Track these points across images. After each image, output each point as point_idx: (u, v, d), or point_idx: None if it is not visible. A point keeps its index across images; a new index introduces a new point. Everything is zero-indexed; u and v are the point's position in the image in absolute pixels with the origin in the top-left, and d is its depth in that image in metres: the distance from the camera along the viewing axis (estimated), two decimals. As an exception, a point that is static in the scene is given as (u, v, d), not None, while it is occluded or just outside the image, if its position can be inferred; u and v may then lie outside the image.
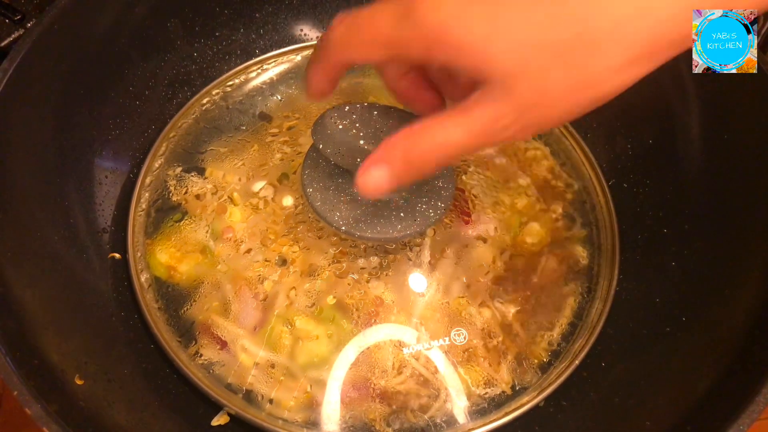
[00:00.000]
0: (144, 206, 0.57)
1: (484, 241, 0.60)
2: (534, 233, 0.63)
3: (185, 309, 0.59)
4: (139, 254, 0.56)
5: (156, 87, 0.63)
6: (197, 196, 0.64)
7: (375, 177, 0.35)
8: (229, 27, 0.67)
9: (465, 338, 0.57)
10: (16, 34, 0.62)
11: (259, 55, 0.69)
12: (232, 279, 0.57)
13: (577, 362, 0.56)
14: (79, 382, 0.45)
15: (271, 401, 0.53)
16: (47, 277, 0.49)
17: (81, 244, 0.55)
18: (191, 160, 0.60)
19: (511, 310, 0.60)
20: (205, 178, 0.65)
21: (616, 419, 0.49)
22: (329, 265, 0.57)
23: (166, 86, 0.64)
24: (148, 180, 0.58)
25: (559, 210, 0.66)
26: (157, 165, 0.59)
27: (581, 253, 0.63)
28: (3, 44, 0.62)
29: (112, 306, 0.55)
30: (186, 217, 0.63)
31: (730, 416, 0.39)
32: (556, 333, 0.59)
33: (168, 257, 0.60)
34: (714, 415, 0.41)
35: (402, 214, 0.44)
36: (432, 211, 0.45)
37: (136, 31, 0.59)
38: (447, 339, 0.57)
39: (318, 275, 0.57)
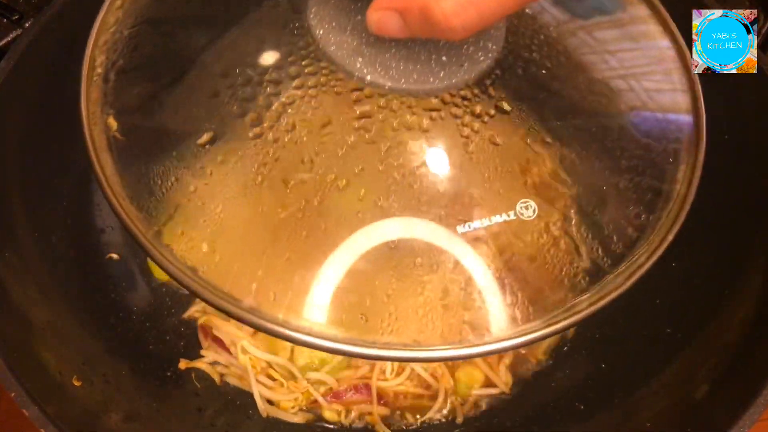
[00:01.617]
0: (100, 71, 0.41)
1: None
2: (532, 234, 0.63)
3: (184, 309, 0.59)
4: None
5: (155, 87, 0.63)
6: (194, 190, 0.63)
7: (388, 24, 0.29)
8: (228, 27, 0.67)
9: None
10: (14, 34, 0.61)
11: None
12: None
13: (576, 362, 0.57)
14: (76, 383, 0.45)
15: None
16: (45, 277, 0.49)
17: (79, 244, 0.54)
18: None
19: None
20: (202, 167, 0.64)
21: (616, 420, 0.49)
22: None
23: (166, 86, 0.64)
24: (102, 39, 0.42)
25: (558, 210, 0.66)
26: (113, 20, 0.43)
27: (581, 255, 0.63)
28: (1, 44, 0.62)
29: (111, 307, 0.54)
30: (178, 215, 0.62)
31: (730, 418, 0.39)
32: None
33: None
34: (714, 417, 0.41)
35: (444, 58, 0.35)
36: (481, 53, 0.36)
37: (134, 31, 0.59)
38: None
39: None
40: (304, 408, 0.55)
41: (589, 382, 0.53)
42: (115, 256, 0.57)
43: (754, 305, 0.45)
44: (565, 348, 0.58)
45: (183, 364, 0.55)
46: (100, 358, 0.49)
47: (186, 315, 0.59)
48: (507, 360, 0.57)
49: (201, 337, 0.57)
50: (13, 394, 0.39)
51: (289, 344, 0.54)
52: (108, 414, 0.46)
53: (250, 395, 0.54)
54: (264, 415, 0.54)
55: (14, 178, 0.49)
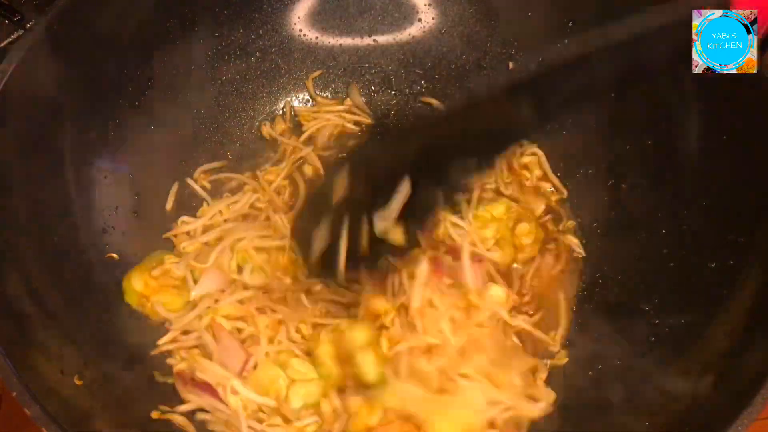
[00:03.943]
0: None
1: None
2: (526, 233, 0.63)
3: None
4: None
5: (154, 87, 0.63)
6: (187, 233, 0.60)
7: None
8: (228, 26, 0.67)
9: None
10: (15, 35, 0.62)
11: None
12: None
13: (576, 362, 0.57)
14: (78, 382, 0.45)
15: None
16: (46, 277, 0.49)
17: (81, 244, 0.55)
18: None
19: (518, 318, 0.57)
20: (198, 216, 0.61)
21: (616, 420, 0.49)
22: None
23: (165, 87, 0.64)
24: None
25: (542, 207, 0.65)
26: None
27: (575, 242, 0.62)
28: (2, 45, 0.62)
29: (111, 307, 0.55)
30: (170, 251, 0.59)
31: (729, 416, 0.39)
32: (562, 330, 0.59)
33: (143, 286, 0.56)
34: (713, 415, 0.41)
35: None
36: None
37: (134, 32, 0.59)
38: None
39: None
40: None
41: (589, 382, 0.53)
42: (115, 255, 0.57)
43: (754, 305, 0.45)
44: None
45: (156, 414, 0.49)
46: (102, 357, 0.49)
47: (154, 352, 0.54)
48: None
49: (179, 386, 0.52)
50: (14, 393, 0.39)
51: (282, 385, 0.51)
52: (108, 413, 0.46)
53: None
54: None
55: (16, 178, 0.50)
